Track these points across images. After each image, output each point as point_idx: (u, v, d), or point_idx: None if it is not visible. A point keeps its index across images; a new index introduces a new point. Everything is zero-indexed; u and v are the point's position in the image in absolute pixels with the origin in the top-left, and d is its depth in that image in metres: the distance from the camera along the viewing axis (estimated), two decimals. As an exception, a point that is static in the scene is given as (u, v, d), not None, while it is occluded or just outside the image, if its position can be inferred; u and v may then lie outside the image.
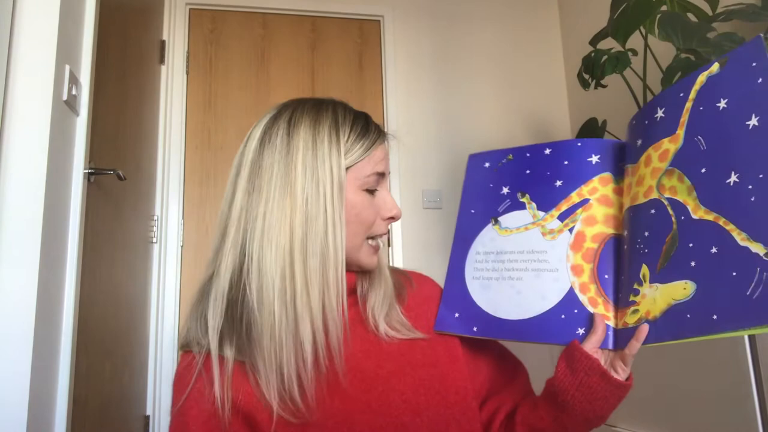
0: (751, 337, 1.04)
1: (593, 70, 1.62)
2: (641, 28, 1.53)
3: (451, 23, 2.61)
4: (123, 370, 1.67)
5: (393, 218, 0.70)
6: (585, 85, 1.71)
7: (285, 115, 0.67)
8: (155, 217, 2.13)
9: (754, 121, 0.54)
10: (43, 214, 1.05)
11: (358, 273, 0.71)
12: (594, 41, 1.72)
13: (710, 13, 1.55)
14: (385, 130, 0.73)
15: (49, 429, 1.09)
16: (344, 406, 0.62)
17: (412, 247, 2.34)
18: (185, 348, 0.65)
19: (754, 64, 0.56)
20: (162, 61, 2.28)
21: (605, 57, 1.59)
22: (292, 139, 0.64)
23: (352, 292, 0.71)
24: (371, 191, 0.68)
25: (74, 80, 1.21)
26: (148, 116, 2.07)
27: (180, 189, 2.20)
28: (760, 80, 0.55)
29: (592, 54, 1.64)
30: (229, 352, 0.61)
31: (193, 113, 2.29)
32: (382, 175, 0.68)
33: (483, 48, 2.62)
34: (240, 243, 0.63)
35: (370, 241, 0.69)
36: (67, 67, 1.17)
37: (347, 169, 0.65)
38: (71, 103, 1.19)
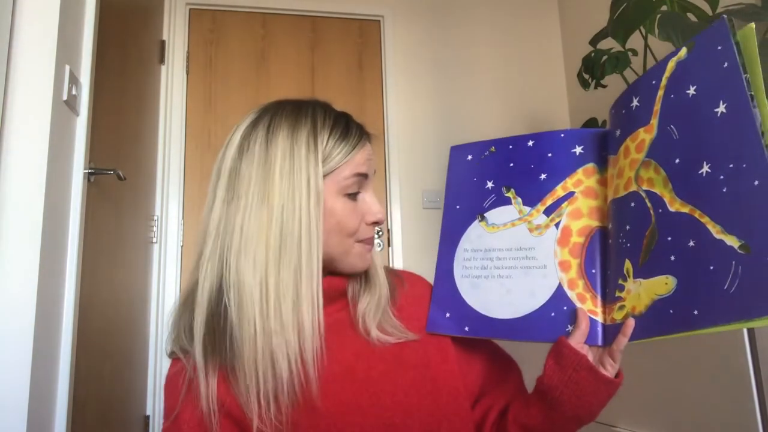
0: (751, 336, 1.04)
1: (593, 70, 1.62)
2: (641, 28, 1.53)
3: (451, 23, 2.61)
4: (123, 370, 1.67)
5: (377, 222, 0.68)
6: (585, 85, 1.71)
7: (264, 121, 0.65)
8: (155, 217, 2.13)
9: (722, 108, 0.53)
10: (43, 214, 1.05)
11: (349, 277, 0.71)
12: (594, 41, 1.72)
13: (710, 13, 1.55)
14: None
15: (49, 429, 1.09)
16: (335, 407, 0.62)
17: (412, 247, 2.34)
18: (173, 355, 0.66)
19: (719, 47, 0.54)
20: (162, 61, 2.28)
21: (605, 57, 1.59)
22: (270, 148, 0.63)
23: (341, 295, 0.70)
24: (353, 195, 0.66)
25: (74, 80, 1.21)
26: (148, 116, 2.07)
27: (180, 189, 2.20)
28: (726, 64, 0.53)
29: (592, 54, 1.64)
30: (215, 360, 0.61)
31: (193, 113, 2.29)
32: (364, 177, 0.67)
33: (483, 48, 2.62)
34: (218, 253, 0.62)
35: (360, 243, 0.68)
36: (67, 67, 1.17)
37: (327, 175, 0.64)
38: (71, 103, 1.19)
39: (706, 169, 0.53)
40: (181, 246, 2.16)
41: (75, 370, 1.17)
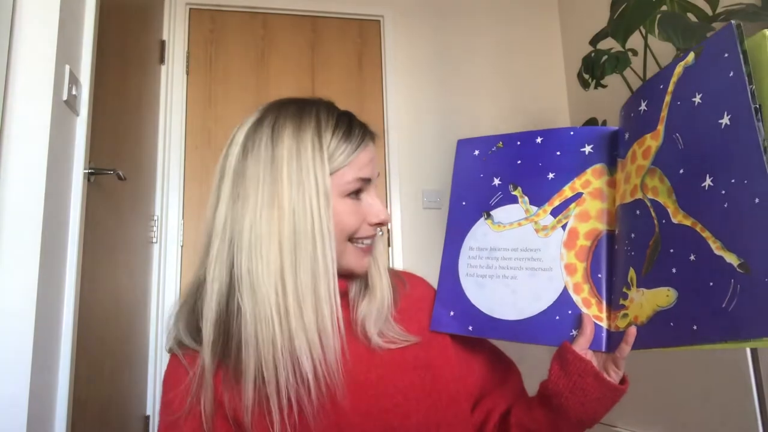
0: (751, 337, 1.04)
1: (593, 70, 1.62)
2: (641, 28, 1.53)
3: (451, 23, 2.61)
4: (123, 370, 1.67)
5: (380, 224, 0.67)
6: (585, 85, 1.71)
7: (268, 121, 0.64)
8: (155, 217, 2.12)
9: (726, 120, 0.50)
10: (43, 214, 1.05)
11: (349, 279, 0.70)
12: (594, 41, 1.71)
13: (710, 13, 1.55)
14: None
15: (49, 429, 1.09)
16: (333, 409, 0.62)
17: (411, 247, 2.34)
18: (172, 351, 0.66)
19: (726, 55, 0.51)
20: (162, 61, 2.28)
21: (605, 57, 1.59)
22: (276, 148, 0.62)
23: (342, 296, 0.69)
24: (355, 195, 0.66)
25: (74, 80, 1.21)
26: (148, 116, 2.07)
27: (180, 189, 2.20)
28: (732, 74, 0.50)
29: (592, 54, 1.64)
30: (219, 361, 0.62)
31: (193, 113, 2.28)
32: (367, 181, 0.66)
33: (483, 48, 2.62)
34: (227, 254, 0.62)
35: (357, 243, 0.67)
36: (67, 67, 1.17)
37: (331, 175, 0.63)
38: (71, 103, 1.19)
39: (708, 182, 0.52)
40: (181, 246, 2.16)
41: (75, 370, 1.17)
